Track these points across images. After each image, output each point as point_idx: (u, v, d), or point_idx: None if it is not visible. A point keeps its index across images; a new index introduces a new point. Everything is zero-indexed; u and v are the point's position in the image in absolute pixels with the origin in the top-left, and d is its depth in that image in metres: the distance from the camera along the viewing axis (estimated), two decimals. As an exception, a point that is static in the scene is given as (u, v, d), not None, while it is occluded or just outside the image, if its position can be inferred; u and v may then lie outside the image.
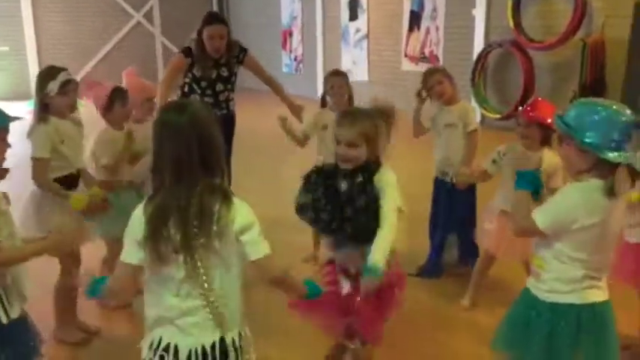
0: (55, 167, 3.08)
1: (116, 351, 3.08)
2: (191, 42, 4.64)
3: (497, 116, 8.68)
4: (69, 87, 3.07)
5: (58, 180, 3.08)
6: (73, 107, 3.16)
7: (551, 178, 3.12)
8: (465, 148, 3.75)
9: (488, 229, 3.30)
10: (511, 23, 8.44)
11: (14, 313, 2.19)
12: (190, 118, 1.76)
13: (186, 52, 4.61)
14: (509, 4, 8.43)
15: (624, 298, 2.57)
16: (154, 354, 1.77)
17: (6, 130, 2.29)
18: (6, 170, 2.38)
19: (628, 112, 1.93)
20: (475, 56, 9.11)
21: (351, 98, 4.01)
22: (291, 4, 13.76)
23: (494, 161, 3.29)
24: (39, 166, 3.01)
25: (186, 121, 1.75)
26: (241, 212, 1.75)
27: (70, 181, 3.13)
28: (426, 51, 10.24)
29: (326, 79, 4.07)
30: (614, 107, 1.94)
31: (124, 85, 3.65)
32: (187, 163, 1.72)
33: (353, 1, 11.90)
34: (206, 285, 1.73)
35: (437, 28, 10.02)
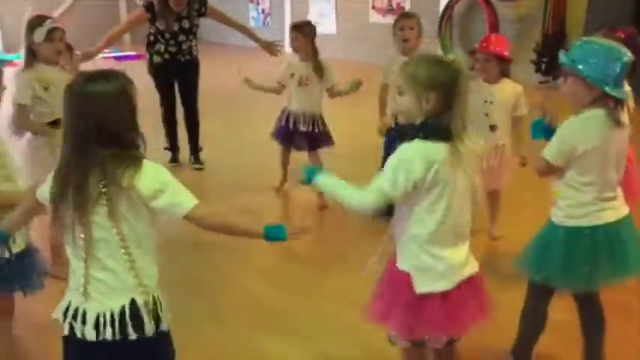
0: (41, 113, 3.21)
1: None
2: None
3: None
4: (55, 34, 3.18)
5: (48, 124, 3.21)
6: (59, 53, 3.26)
7: (517, 107, 3.40)
8: None
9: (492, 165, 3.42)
10: (476, -25, 8.60)
11: (17, 248, 2.34)
12: (94, 90, 1.67)
13: (148, 6, 4.93)
14: (475, -45, 8.58)
15: None
16: (64, 320, 1.73)
17: (0, 73, 2.42)
18: None
19: (627, 51, 2.10)
20: (442, 8, 9.26)
21: (315, 52, 4.22)
22: (257, -45, 13.57)
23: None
24: (19, 111, 3.17)
25: (93, 92, 1.66)
26: (145, 180, 1.65)
27: (54, 123, 3.23)
28: (394, 3, 10.33)
29: (290, 35, 4.27)
30: (616, 45, 2.13)
31: None
32: (84, 134, 1.65)
33: (320, -48, 11.81)
34: (99, 254, 1.68)
35: (404, -20, 10.09)
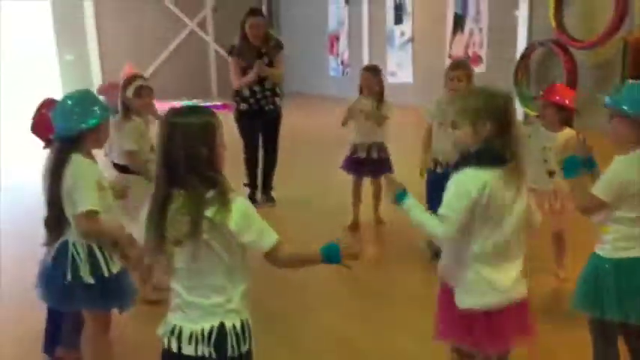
0: None
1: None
2: (234, 41, 5.48)
3: (533, 115, 8.88)
4: (143, 91, 3.77)
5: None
6: (147, 107, 3.83)
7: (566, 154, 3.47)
8: None
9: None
10: (553, 23, 8.66)
11: (115, 268, 2.61)
12: (192, 125, 1.82)
13: (231, 50, 5.51)
14: (552, 3, 8.65)
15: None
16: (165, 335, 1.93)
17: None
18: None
19: None
20: (518, 56, 9.35)
21: (381, 90, 4.83)
22: (337, 9, 14.21)
23: None
24: (131, 156, 3.65)
25: (186, 125, 1.82)
26: (235, 217, 1.79)
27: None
28: (470, 52, 10.51)
29: (361, 74, 4.97)
30: None
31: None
32: (181, 167, 1.79)
33: (398, 5, 12.26)
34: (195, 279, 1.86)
35: (480, 30, 10.29)
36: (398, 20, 12.35)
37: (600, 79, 8.30)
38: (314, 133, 6.30)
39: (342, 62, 14.31)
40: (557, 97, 3.51)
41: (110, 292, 2.62)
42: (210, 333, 1.86)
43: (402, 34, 12.30)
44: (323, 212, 5.40)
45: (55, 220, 2.56)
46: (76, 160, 2.53)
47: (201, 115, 1.88)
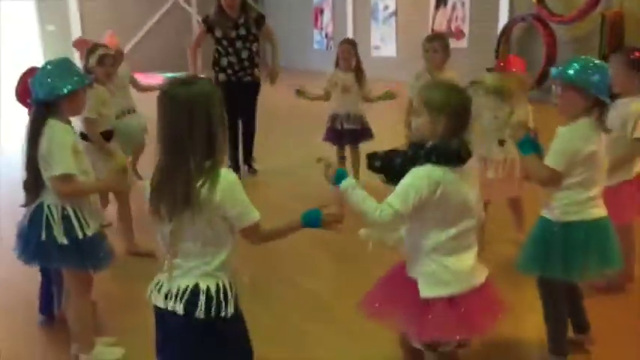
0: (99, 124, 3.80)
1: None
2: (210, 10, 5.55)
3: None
4: (106, 60, 3.98)
5: (103, 135, 3.79)
6: (109, 76, 4.05)
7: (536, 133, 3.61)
8: None
9: (490, 177, 3.71)
10: (534, -2, 8.77)
11: (90, 231, 2.68)
12: (192, 95, 1.83)
13: (205, 19, 5.55)
14: (533, -21, 8.75)
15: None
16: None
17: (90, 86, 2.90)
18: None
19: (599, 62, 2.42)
20: (499, 31, 9.45)
21: (358, 63, 4.96)
22: (322, -18, 14.16)
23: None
24: (87, 123, 3.72)
25: (186, 96, 1.82)
26: (220, 188, 1.84)
27: (106, 136, 3.83)
28: (453, 26, 10.58)
29: (338, 47, 5.08)
30: (599, 61, 2.42)
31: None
32: (181, 139, 1.81)
33: (382, -21, 12.26)
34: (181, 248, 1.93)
35: (463, 4, 10.35)
36: (382, -7, 12.36)
37: (579, 53, 8.31)
38: (298, 106, 6.33)
39: (327, 35, 14.30)
40: (512, 69, 3.66)
41: (84, 252, 2.68)
42: (184, 291, 1.91)
43: (386, 7, 12.31)
44: (308, 182, 5.46)
45: (33, 182, 2.64)
46: (52, 124, 2.60)
47: (202, 85, 1.89)
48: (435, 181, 2.01)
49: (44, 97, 2.59)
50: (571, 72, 2.39)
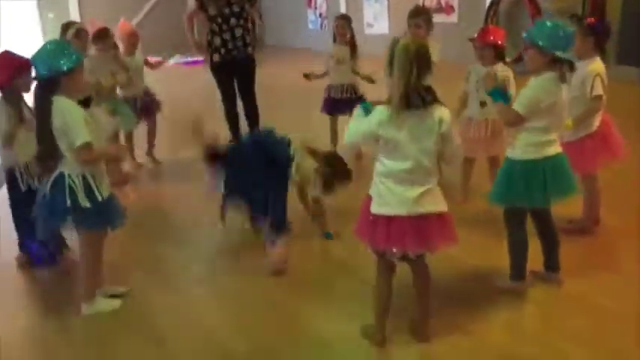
0: None
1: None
2: None
3: (508, 60, 9.36)
4: (82, 33, 4.67)
5: (79, 101, 4.22)
6: (84, 48, 4.64)
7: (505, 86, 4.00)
8: None
9: (469, 137, 4.12)
10: (520, -28, 9.05)
11: (106, 192, 3.03)
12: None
13: None
14: (519, -47, 9.03)
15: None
16: None
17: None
18: None
19: (570, 27, 2.89)
20: (487, 4, 9.75)
21: (352, 37, 5.42)
22: (314, -38, 14.35)
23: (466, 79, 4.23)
24: None
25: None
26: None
27: (86, 102, 4.15)
28: (442, 2, 10.88)
29: (333, 22, 5.58)
30: (561, 23, 2.86)
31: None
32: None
33: (373, -43, 12.48)
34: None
35: (452, -20, 10.62)
36: (374, -29, 12.58)
37: (563, 25, 8.76)
38: (295, 85, 6.68)
39: (320, 15, 14.55)
40: (492, 38, 4.03)
41: (103, 213, 3.02)
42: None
43: (378, -15, 12.56)
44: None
45: (47, 153, 2.92)
46: (60, 100, 2.87)
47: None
48: (379, 118, 2.46)
49: (46, 72, 2.84)
50: (532, 32, 2.82)
